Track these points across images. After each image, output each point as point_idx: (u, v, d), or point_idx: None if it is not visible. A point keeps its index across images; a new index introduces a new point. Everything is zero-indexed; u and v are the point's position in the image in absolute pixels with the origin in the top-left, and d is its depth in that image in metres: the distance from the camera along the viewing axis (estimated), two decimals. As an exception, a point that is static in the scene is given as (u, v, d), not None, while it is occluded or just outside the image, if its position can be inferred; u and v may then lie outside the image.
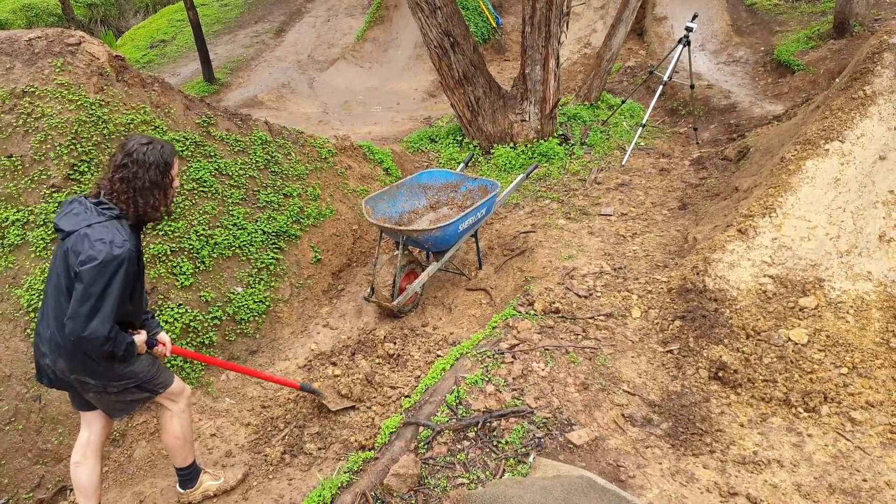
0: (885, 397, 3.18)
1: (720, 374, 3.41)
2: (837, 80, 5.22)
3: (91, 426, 2.97)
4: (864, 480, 2.82)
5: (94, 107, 4.19)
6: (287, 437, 3.74)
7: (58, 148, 3.96)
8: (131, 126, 4.34)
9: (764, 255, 3.86)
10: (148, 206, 2.63)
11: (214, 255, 4.48)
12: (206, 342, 4.21)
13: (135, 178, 2.57)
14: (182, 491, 3.25)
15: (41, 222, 3.80)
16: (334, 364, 4.30)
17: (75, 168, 3.99)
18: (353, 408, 3.91)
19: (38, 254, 3.74)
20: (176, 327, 4.03)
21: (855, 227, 3.86)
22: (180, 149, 4.59)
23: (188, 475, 3.22)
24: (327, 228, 5.41)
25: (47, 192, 3.88)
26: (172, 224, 4.32)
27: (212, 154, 4.84)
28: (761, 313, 3.61)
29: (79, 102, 4.13)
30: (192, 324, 4.14)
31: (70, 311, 2.44)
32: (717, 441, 3.06)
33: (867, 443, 3.03)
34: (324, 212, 5.42)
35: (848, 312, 3.55)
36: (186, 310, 4.15)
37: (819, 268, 3.76)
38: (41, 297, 3.62)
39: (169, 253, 4.21)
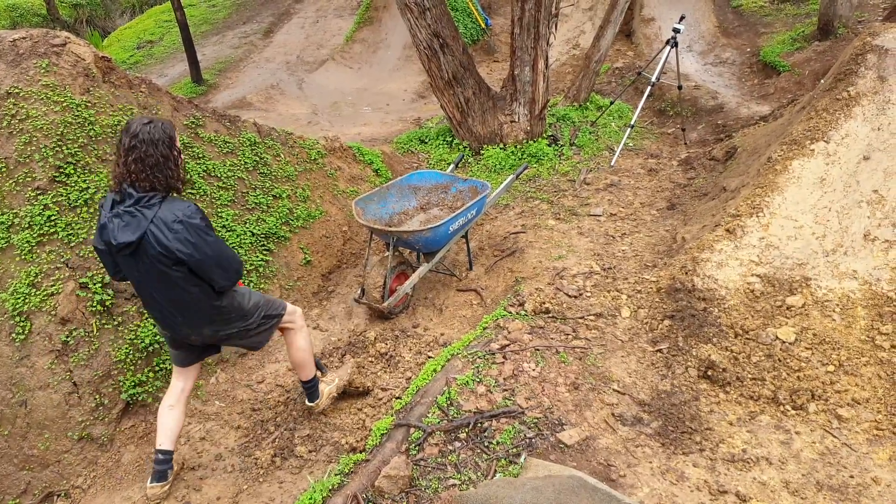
0: (871, 394, 3.22)
1: (709, 373, 3.44)
2: (822, 81, 5.28)
3: (187, 379, 3.35)
4: (851, 477, 2.85)
5: (79, 108, 4.15)
6: (277, 440, 3.73)
7: (43, 150, 3.92)
8: (118, 127, 4.30)
9: (752, 254, 3.90)
10: (169, 178, 2.78)
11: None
12: (195, 345, 4.18)
13: (147, 157, 2.69)
14: (312, 404, 3.72)
15: (26, 225, 3.76)
16: (324, 365, 4.28)
17: (61, 170, 3.95)
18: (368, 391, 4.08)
19: (22, 257, 3.70)
20: (164, 330, 4.00)
21: (840, 227, 3.90)
22: (168, 150, 4.56)
23: (312, 387, 3.66)
24: (317, 230, 5.39)
25: (32, 194, 3.84)
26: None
27: (200, 156, 4.81)
28: (749, 312, 3.64)
29: (64, 104, 4.09)
30: (180, 326, 4.11)
31: (218, 283, 2.91)
32: (707, 439, 3.09)
33: (854, 439, 3.06)
34: (313, 213, 5.40)
35: (834, 311, 3.58)
36: (175, 312, 4.11)
37: (806, 267, 3.79)
38: (26, 301, 3.59)
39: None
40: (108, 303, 3.81)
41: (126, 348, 3.80)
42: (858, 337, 3.46)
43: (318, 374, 3.74)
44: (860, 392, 3.24)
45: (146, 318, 3.96)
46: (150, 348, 3.90)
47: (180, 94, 5.30)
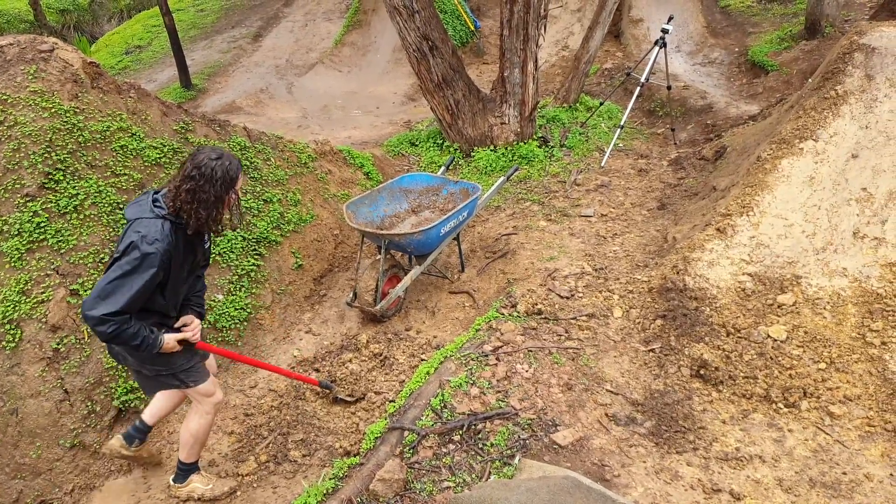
0: (862, 391, 3.24)
1: (702, 372, 3.45)
2: (810, 80, 5.32)
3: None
4: (844, 473, 2.87)
5: (68, 114, 4.12)
6: (271, 445, 3.71)
7: (32, 156, 3.89)
8: (107, 133, 4.28)
9: (742, 253, 3.92)
10: (210, 218, 2.70)
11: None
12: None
13: (199, 191, 2.63)
14: (172, 484, 3.32)
15: (15, 232, 3.73)
16: (317, 371, 4.27)
17: (50, 177, 3.92)
18: (362, 398, 4.01)
19: (12, 264, 3.67)
20: (156, 336, 3.97)
21: (830, 225, 3.93)
22: (158, 156, 4.53)
23: (185, 471, 3.29)
24: (308, 234, 5.37)
25: (21, 201, 3.81)
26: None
27: (190, 160, 4.78)
28: (741, 311, 3.66)
29: (53, 110, 4.06)
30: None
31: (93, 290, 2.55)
32: (700, 438, 3.10)
33: (846, 436, 3.08)
34: (304, 217, 5.38)
35: (825, 308, 3.61)
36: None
37: (796, 265, 3.81)
38: (16, 308, 3.57)
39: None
40: (98, 310, 3.78)
41: (117, 355, 3.77)
42: (849, 334, 3.48)
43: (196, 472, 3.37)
44: (852, 389, 3.26)
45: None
46: (142, 355, 3.87)
47: (169, 99, 5.28)
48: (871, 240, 3.78)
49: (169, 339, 2.79)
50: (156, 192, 2.75)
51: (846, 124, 4.21)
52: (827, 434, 3.10)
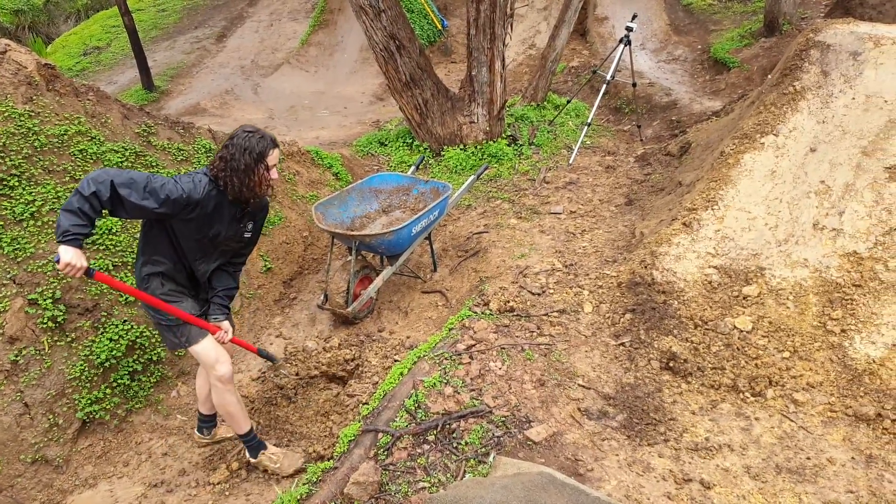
0: (824, 378, 3.33)
1: (671, 364, 3.50)
2: (770, 76, 5.44)
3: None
4: (808, 458, 2.94)
5: (22, 118, 4.00)
6: (243, 452, 3.65)
7: (-15, 162, 3.77)
8: (65, 137, 4.16)
9: (708, 246, 3.99)
10: (243, 185, 2.92)
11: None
12: (154, 358, 4.07)
13: (231, 159, 2.90)
14: (248, 457, 3.47)
15: (-30, 241, 3.61)
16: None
17: (4, 182, 3.80)
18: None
19: (-33, 274, 3.55)
20: (121, 345, 3.88)
21: (791, 217, 4.02)
22: (119, 160, 4.43)
23: (250, 445, 3.41)
24: (276, 236, 5.31)
25: (-25, 208, 3.68)
26: (114, 238, 4.17)
27: (153, 164, 4.69)
28: (708, 303, 3.72)
29: (6, 114, 3.94)
30: (138, 340, 3.99)
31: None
32: (671, 430, 3.14)
33: (809, 422, 3.16)
34: (272, 219, 5.31)
35: (788, 299, 3.69)
36: (132, 326, 4.00)
37: (760, 257, 3.90)
38: (-27, 319, 3.45)
39: (111, 268, 4.06)
40: (60, 319, 3.68)
41: (81, 365, 3.67)
42: (811, 323, 3.57)
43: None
44: (814, 376, 3.34)
45: (101, 333, 3.84)
46: (107, 364, 3.78)
47: (131, 102, 5.16)
48: (830, 231, 3.88)
49: (78, 252, 2.55)
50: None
51: (804, 119, 4.32)
52: (791, 421, 3.17)
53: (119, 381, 3.84)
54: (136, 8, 13.99)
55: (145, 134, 4.79)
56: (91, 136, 4.34)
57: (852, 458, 2.96)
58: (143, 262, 3.02)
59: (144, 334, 4.04)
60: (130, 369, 3.91)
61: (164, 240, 2.98)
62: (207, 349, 3.13)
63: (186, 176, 2.91)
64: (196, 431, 3.66)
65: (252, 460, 3.44)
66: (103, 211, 2.64)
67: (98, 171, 2.64)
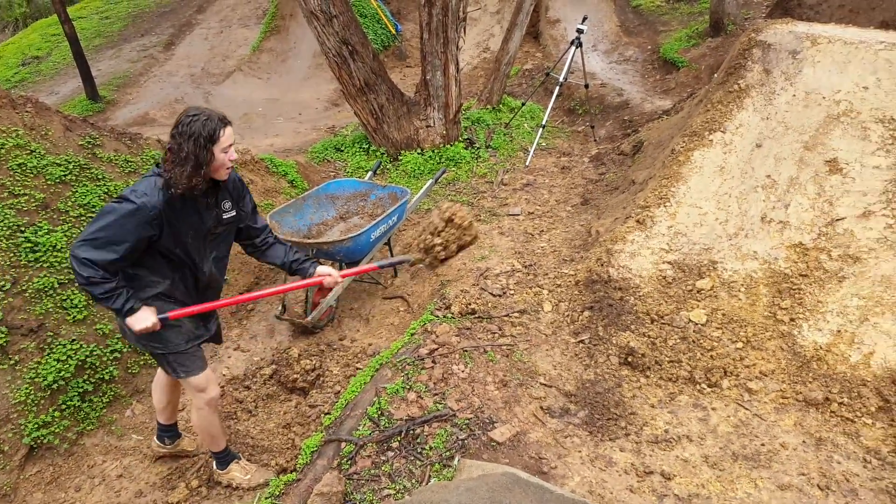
0: (776, 366, 3.43)
1: (629, 359, 3.56)
2: (716, 75, 5.60)
3: None
4: (763, 445, 3.03)
5: (-43, 132, 3.83)
6: (203, 468, 3.56)
7: (-83, 179, 3.59)
8: (2, 151, 4.00)
9: (661, 242, 4.07)
10: (187, 175, 2.61)
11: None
12: (107, 377, 3.93)
13: (180, 150, 2.62)
14: (216, 469, 3.41)
15: None
16: (248, 388, 4.15)
17: (-60, 200, 3.63)
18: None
19: None
20: (70, 365, 3.73)
21: (740, 211, 4.14)
22: (62, 173, 4.27)
23: (221, 459, 3.37)
24: (232, 247, 5.19)
25: None
26: (58, 254, 4.01)
27: (99, 177, 4.54)
28: (663, 298, 3.79)
29: (-61, 128, 3.77)
30: (88, 360, 3.85)
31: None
32: (631, 424, 3.19)
33: (763, 409, 3.25)
34: (228, 230, 5.20)
35: (739, 291, 3.79)
36: (81, 345, 3.85)
37: (712, 251, 3.99)
38: None
39: (57, 286, 3.90)
40: (1, 341, 3.53)
41: (26, 388, 3.52)
42: (762, 313, 3.67)
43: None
44: (766, 365, 3.44)
45: (47, 354, 3.69)
46: (55, 385, 3.63)
47: (74, 113, 4.99)
48: (777, 223, 4.01)
49: (145, 313, 2.68)
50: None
51: (749, 116, 4.45)
52: (746, 409, 3.26)
53: (69, 403, 3.69)
54: (77, 16, 13.57)
55: (90, 146, 4.64)
56: (31, 150, 4.18)
57: (803, 441, 3.06)
58: (138, 289, 2.79)
59: (95, 353, 3.90)
60: (81, 390, 3.77)
61: (152, 257, 2.76)
62: (202, 377, 3.05)
63: (140, 183, 2.66)
64: (155, 440, 3.56)
65: (220, 471, 3.38)
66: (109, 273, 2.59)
67: (74, 254, 2.52)
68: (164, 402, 3.41)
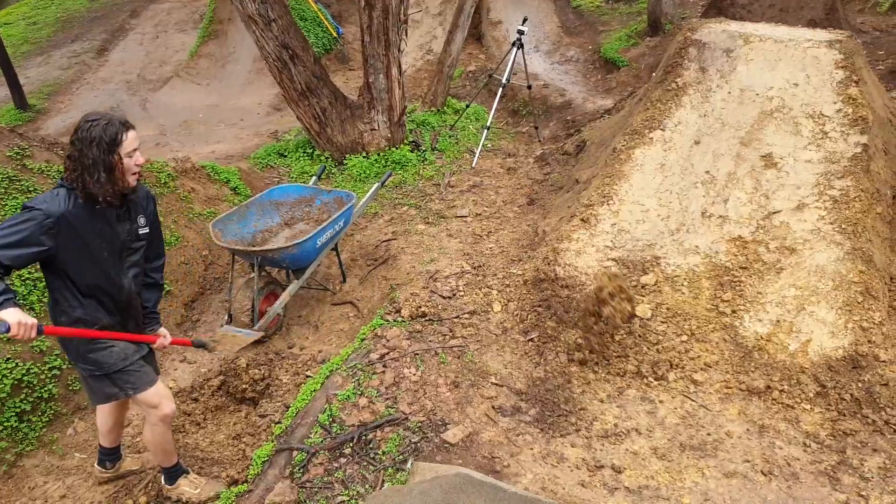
0: (720, 357, 3.54)
1: (577, 356, 3.61)
2: (655, 73, 5.75)
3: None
4: (709, 434, 3.12)
5: None
6: (151, 484, 3.43)
7: None
8: (-81, 163, 3.77)
9: (606, 240, 4.15)
10: (95, 182, 2.55)
11: (45, 300, 3.99)
12: (45, 396, 3.75)
13: (81, 156, 2.54)
14: (164, 484, 3.31)
15: None
16: (195, 400, 4.02)
17: None
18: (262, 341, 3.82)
19: None
20: (5, 384, 3.54)
21: (681, 207, 4.26)
22: (-14, 185, 4.06)
23: (170, 474, 3.28)
24: (174, 257, 5.03)
25: None
26: None
27: (30, 189, 4.33)
28: (609, 294, 3.86)
29: None
30: (25, 378, 3.66)
31: None
32: (581, 419, 3.24)
33: (708, 400, 3.35)
34: (168, 240, 5.03)
35: (683, 285, 3.90)
36: (17, 364, 3.66)
37: (655, 247, 4.09)
38: None
39: None
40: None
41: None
42: (705, 306, 3.78)
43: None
44: (710, 356, 3.55)
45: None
46: (-16, 409, 3.44)
47: (1, 124, 4.74)
48: (717, 218, 4.14)
49: (11, 312, 2.34)
50: None
51: (688, 113, 4.58)
52: (692, 401, 3.35)
53: (5, 424, 3.51)
54: (2, 22, 12.94)
55: (18, 157, 4.42)
56: (-49, 161, 3.95)
57: (747, 429, 3.16)
58: (59, 312, 2.71)
59: (32, 371, 3.71)
60: (18, 410, 3.58)
61: (66, 280, 2.65)
62: (152, 393, 2.93)
63: (44, 195, 2.58)
64: (97, 465, 3.43)
65: (168, 486, 3.28)
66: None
67: None
68: (109, 424, 3.26)
